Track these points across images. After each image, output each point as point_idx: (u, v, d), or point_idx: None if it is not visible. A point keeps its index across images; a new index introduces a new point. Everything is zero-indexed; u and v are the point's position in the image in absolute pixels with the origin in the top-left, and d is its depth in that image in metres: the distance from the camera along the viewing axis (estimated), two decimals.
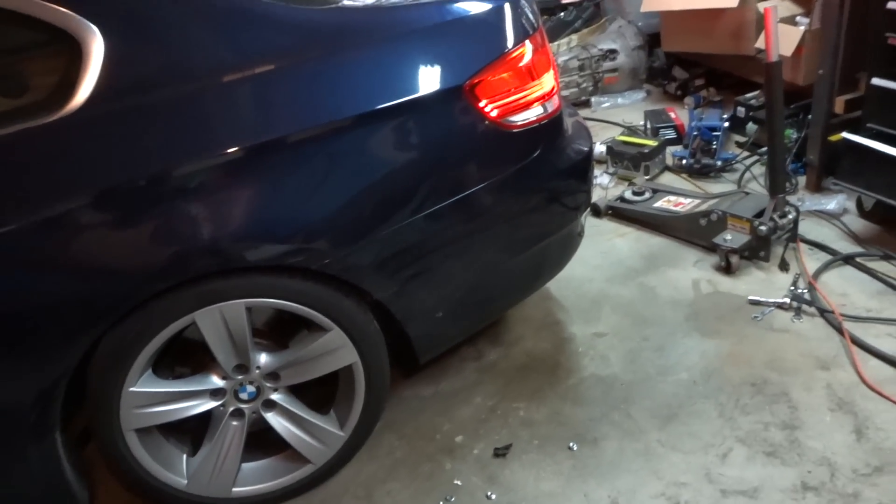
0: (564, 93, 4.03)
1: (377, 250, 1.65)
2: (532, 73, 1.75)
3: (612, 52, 4.08)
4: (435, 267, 1.77)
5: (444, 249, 1.76)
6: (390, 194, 1.65)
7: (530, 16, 1.81)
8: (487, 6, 1.75)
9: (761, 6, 3.32)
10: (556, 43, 4.17)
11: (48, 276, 1.42)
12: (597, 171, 3.30)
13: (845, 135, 2.51)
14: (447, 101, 1.66)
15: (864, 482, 1.70)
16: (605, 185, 3.18)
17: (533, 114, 1.76)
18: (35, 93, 1.47)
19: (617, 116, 3.90)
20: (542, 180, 1.84)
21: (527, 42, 1.74)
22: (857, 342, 2.09)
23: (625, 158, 3.22)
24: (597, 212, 2.96)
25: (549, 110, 1.80)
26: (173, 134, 1.46)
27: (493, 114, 1.69)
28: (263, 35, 1.53)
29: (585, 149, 1.94)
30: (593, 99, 4.08)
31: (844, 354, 2.08)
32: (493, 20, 1.75)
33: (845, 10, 2.61)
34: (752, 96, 3.42)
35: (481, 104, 1.68)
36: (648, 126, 3.57)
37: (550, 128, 1.82)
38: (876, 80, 2.40)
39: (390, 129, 1.63)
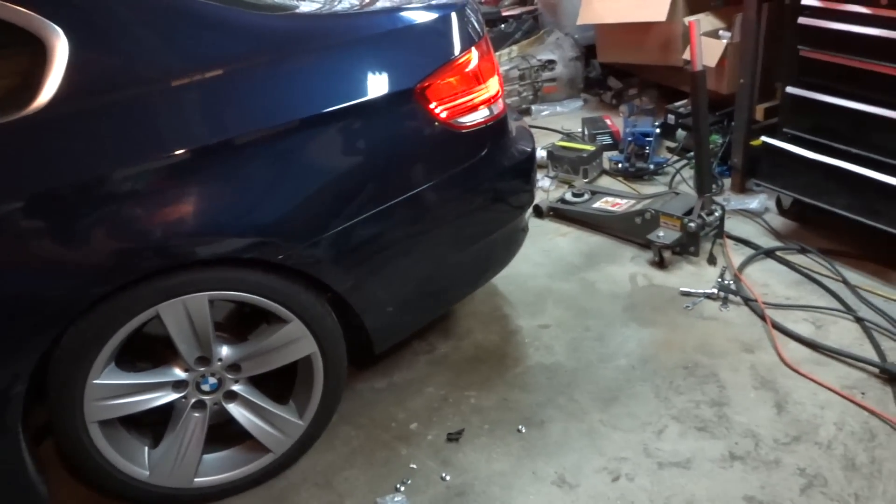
0: (507, 101, 4.18)
1: (334, 244, 1.74)
2: (478, 78, 1.87)
3: (551, 62, 4.26)
4: (390, 260, 1.86)
5: (398, 243, 1.86)
6: (345, 191, 1.74)
7: (476, 24, 1.93)
8: (435, 15, 1.86)
9: (687, 20, 3.54)
10: (497, 53, 4.32)
11: (7, 273, 1.46)
12: (538, 175, 3.45)
13: (765, 139, 2.73)
14: (399, 102, 1.77)
15: (784, 450, 1.87)
16: (546, 188, 3.34)
17: (480, 115, 1.88)
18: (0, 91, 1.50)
19: (556, 124, 4.07)
20: (489, 178, 1.96)
21: (473, 49, 1.86)
22: (777, 327, 2.28)
23: (564, 162, 3.38)
24: (539, 213, 3.10)
25: (495, 112, 1.92)
26: (133, 134, 1.52)
27: (443, 115, 1.81)
28: (220, 39, 1.60)
29: (529, 149, 2.07)
30: (533, 107, 4.25)
31: (767, 338, 2.26)
32: (441, 28, 1.86)
33: (762, 25, 2.83)
34: (681, 104, 3.64)
35: (431, 106, 1.79)
36: (586, 132, 3.75)
37: (496, 129, 1.94)
38: (790, 89, 2.62)
39: (345, 129, 1.72)
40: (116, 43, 1.52)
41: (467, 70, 1.85)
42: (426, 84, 1.78)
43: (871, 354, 2.14)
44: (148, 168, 1.52)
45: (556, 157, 3.41)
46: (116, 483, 1.76)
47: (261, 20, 1.68)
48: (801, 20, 2.51)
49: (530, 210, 3.06)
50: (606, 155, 3.52)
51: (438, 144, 1.84)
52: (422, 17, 1.85)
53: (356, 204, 1.76)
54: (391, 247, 1.86)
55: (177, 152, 1.53)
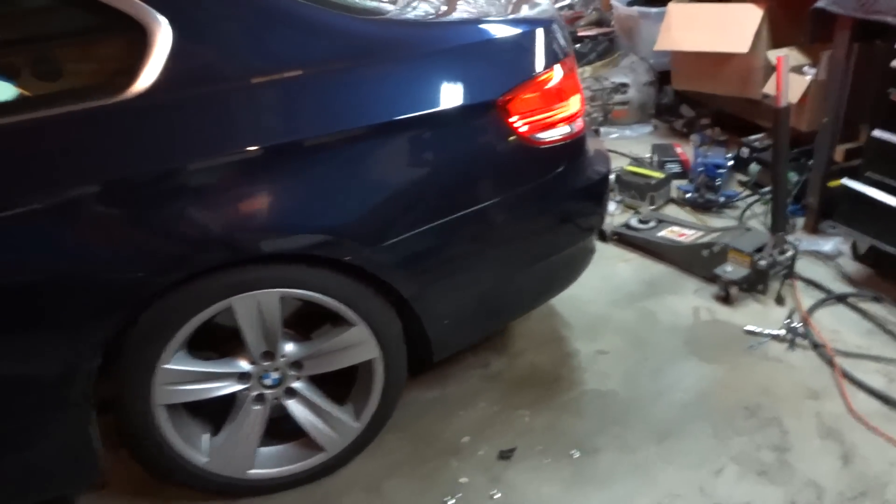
0: None
1: (404, 250, 1.75)
2: (560, 95, 1.87)
3: (624, 85, 4.23)
4: (459, 270, 1.87)
5: (465, 255, 1.87)
6: (418, 198, 1.75)
7: (562, 42, 1.93)
8: (522, 30, 1.88)
9: (772, 54, 3.47)
10: None
11: (91, 252, 1.51)
12: None
13: (845, 181, 2.65)
14: (481, 114, 1.78)
15: None
16: (611, 212, 3.30)
17: (559, 132, 1.88)
18: (99, 75, 1.56)
19: (624, 148, 4.02)
20: (562, 196, 1.96)
21: (557, 65, 1.86)
22: (846, 375, 2.20)
23: (632, 188, 3.34)
24: (603, 237, 3.07)
25: (574, 131, 1.91)
26: (225, 126, 1.56)
27: (523, 129, 1.81)
28: (305, 40, 1.62)
29: (604, 171, 2.06)
30: (602, 129, 4.22)
31: (834, 386, 2.19)
32: (526, 43, 1.87)
33: (850, 65, 2.75)
34: (756, 138, 3.57)
35: (512, 119, 1.79)
36: (655, 159, 3.70)
37: (574, 147, 1.93)
38: (877, 133, 2.54)
39: (426, 135, 1.74)
40: (211, 37, 1.56)
41: (550, 86, 1.85)
42: (508, 97, 1.78)
43: None
44: (226, 162, 1.56)
45: (624, 182, 3.37)
46: (175, 466, 1.80)
47: (350, 23, 1.70)
48: (894, 63, 2.44)
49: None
50: (675, 184, 3.47)
51: (515, 159, 1.84)
52: (508, 31, 1.86)
53: (427, 211, 1.77)
54: (459, 257, 1.87)
55: (253, 148, 1.56)
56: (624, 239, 3.04)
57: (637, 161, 3.69)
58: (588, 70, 4.35)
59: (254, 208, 1.61)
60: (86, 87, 1.63)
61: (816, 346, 2.35)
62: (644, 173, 3.39)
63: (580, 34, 4.51)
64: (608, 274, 2.86)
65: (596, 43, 4.47)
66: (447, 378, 2.29)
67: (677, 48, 3.85)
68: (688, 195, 3.33)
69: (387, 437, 2.06)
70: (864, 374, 2.22)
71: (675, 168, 3.61)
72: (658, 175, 3.36)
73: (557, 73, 1.88)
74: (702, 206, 3.29)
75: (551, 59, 1.87)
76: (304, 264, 1.70)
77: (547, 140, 1.88)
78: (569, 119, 1.91)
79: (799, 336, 2.38)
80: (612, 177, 3.35)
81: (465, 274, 1.90)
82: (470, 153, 1.82)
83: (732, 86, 3.73)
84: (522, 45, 1.88)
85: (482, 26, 1.88)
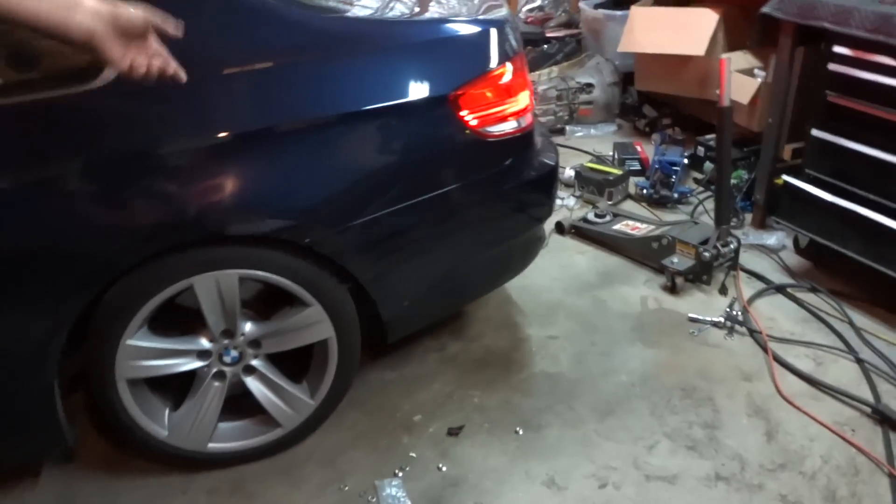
0: (542, 119, 4.30)
1: (360, 234, 1.85)
2: (510, 91, 1.98)
3: (589, 85, 4.36)
4: (411, 255, 1.98)
5: (420, 240, 1.98)
6: (374, 184, 1.86)
7: (513, 41, 2.05)
8: (476, 29, 1.98)
9: (721, 57, 3.61)
10: (537, 73, 4.44)
11: (59, 230, 1.59)
12: (564, 193, 3.56)
13: (785, 178, 2.79)
14: (433, 107, 1.88)
15: (768, 476, 1.94)
16: (570, 207, 3.43)
17: (508, 127, 1.99)
18: (74, 63, 1.65)
19: (588, 146, 4.16)
20: (511, 187, 2.07)
21: (508, 63, 1.98)
22: (777, 359, 2.34)
23: (591, 183, 3.47)
24: (561, 229, 3.20)
25: (523, 125, 2.03)
26: (190, 111, 1.65)
27: (473, 123, 1.92)
28: (273, 33, 1.72)
29: (552, 164, 2.18)
30: (568, 128, 4.35)
31: (766, 370, 2.33)
32: (479, 41, 1.97)
33: (795, 68, 2.90)
34: (711, 137, 3.71)
35: (463, 113, 1.90)
36: (616, 156, 3.83)
37: (522, 141, 2.05)
38: (816, 132, 2.68)
39: (381, 127, 1.84)
40: (186, 26, 1.65)
41: (500, 83, 1.97)
42: (460, 92, 1.89)
43: (867, 395, 2.20)
44: (194, 146, 1.65)
45: (584, 178, 3.50)
46: (137, 439, 1.89)
47: (315, 19, 1.81)
48: (832, 66, 2.59)
49: (552, 226, 3.20)
50: (633, 180, 3.61)
51: (466, 150, 1.95)
52: (462, 29, 1.96)
53: (383, 197, 1.87)
54: (413, 242, 1.97)
55: (221, 135, 1.66)
56: (581, 232, 3.17)
57: (598, 158, 3.83)
58: (555, 70, 4.48)
59: (219, 192, 1.70)
60: (60, 76, 1.71)
61: (753, 333, 2.49)
62: (603, 170, 3.52)
63: (548, 35, 4.63)
64: (565, 264, 2.98)
65: (563, 44, 4.60)
66: (406, 359, 2.40)
67: (639, 50, 3.99)
68: (644, 191, 3.47)
69: (347, 413, 2.17)
70: (794, 357, 2.37)
71: (635, 165, 3.75)
72: (616, 171, 3.49)
73: (508, 70, 1.99)
74: (657, 202, 3.43)
75: (503, 56, 1.98)
76: (262, 246, 1.80)
77: (496, 133, 1.99)
78: (518, 114, 2.02)
79: (737, 323, 2.52)
80: (571, 173, 3.51)
81: (418, 259, 2.01)
82: (422, 144, 1.92)
83: (691, 87, 3.87)
84: (476, 43, 1.99)
85: (436, 24, 1.99)
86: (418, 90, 1.87)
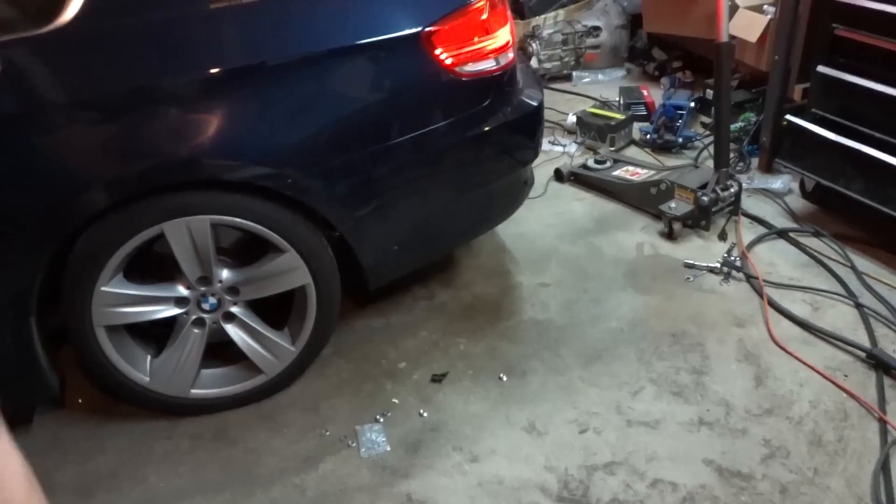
0: (547, 65, 4.18)
1: (333, 177, 1.83)
2: (487, 28, 1.90)
3: (596, 28, 4.22)
4: (388, 200, 1.94)
5: (396, 183, 1.94)
6: (348, 126, 1.82)
7: None
8: None
9: None
10: (542, 16, 4.30)
11: (26, 175, 1.59)
12: (566, 140, 3.48)
13: (789, 117, 2.68)
14: (406, 45, 1.82)
15: (753, 421, 1.90)
16: (571, 153, 3.35)
17: (486, 65, 1.93)
18: (28, 7, 1.62)
19: (595, 92, 4.04)
20: (492, 128, 2.00)
21: None
22: (772, 304, 2.28)
23: (592, 129, 3.38)
24: (560, 177, 3.13)
25: (503, 63, 1.96)
26: (154, 53, 1.62)
27: (448, 62, 1.86)
28: None
29: (535, 104, 2.10)
30: (574, 73, 4.23)
31: (760, 315, 2.27)
32: None
33: (802, 1, 2.76)
34: None
35: (437, 52, 1.84)
36: (621, 101, 3.72)
37: (502, 80, 1.98)
38: (821, 69, 2.56)
39: (351, 68, 1.80)
40: None
41: (476, 19, 1.89)
42: (434, 30, 1.82)
43: (864, 340, 2.13)
44: (170, 87, 1.63)
45: (585, 124, 3.41)
46: (119, 386, 1.91)
47: None
48: None
49: (551, 173, 3.13)
50: (638, 125, 3.50)
51: (441, 90, 1.90)
52: None
53: (356, 141, 1.84)
54: (389, 187, 1.94)
55: (198, 74, 1.63)
56: (580, 179, 3.10)
57: (604, 104, 3.72)
58: (561, 13, 4.34)
59: (188, 137, 1.68)
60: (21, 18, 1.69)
61: (749, 278, 2.42)
62: (605, 115, 3.42)
63: None
64: (561, 212, 2.93)
65: None
66: (395, 307, 2.39)
67: None
68: (648, 136, 3.37)
69: (332, 360, 2.17)
70: (790, 303, 2.30)
71: (641, 110, 3.64)
72: (618, 116, 3.39)
73: (485, 5, 1.91)
74: (661, 147, 3.33)
75: None
76: (234, 192, 1.77)
77: (474, 72, 1.92)
78: (497, 51, 1.95)
79: (734, 268, 2.46)
80: (573, 119, 3.42)
81: (396, 205, 1.98)
82: (396, 84, 1.87)
83: (699, 27, 3.71)
84: None
85: None
86: (388, 28, 1.81)
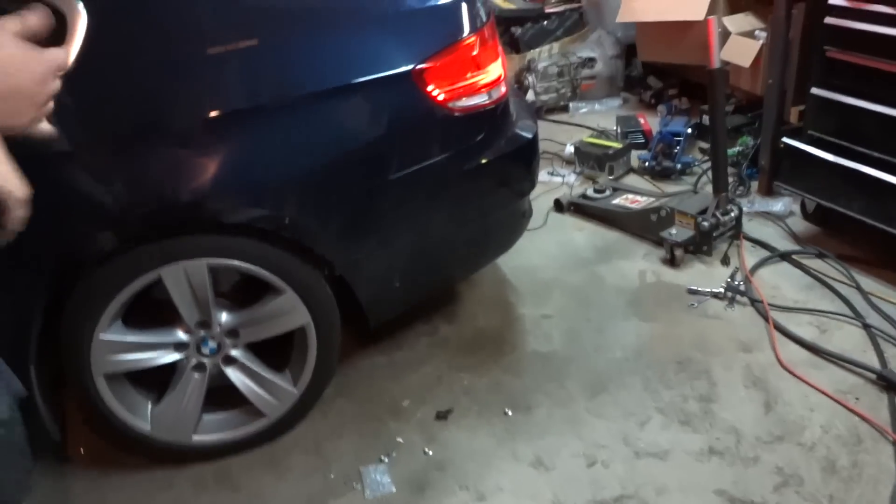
0: (544, 97, 4.21)
1: (329, 217, 1.83)
2: (478, 63, 1.92)
3: (591, 60, 4.26)
4: (385, 237, 1.94)
5: (393, 220, 1.93)
6: (343, 165, 1.81)
7: (480, 12, 1.98)
8: (438, 1, 1.92)
9: (728, 21, 3.49)
10: (537, 50, 4.35)
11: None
12: (565, 170, 3.48)
13: (785, 139, 2.69)
14: (398, 83, 1.83)
15: (765, 448, 1.86)
16: (570, 183, 3.35)
17: (479, 100, 1.94)
18: None
19: (593, 121, 4.06)
20: (486, 162, 2.00)
21: (474, 35, 1.92)
22: (778, 328, 2.26)
23: (591, 158, 3.39)
24: (560, 207, 3.13)
25: (494, 97, 1.96)
26: (156, 97, 1.63)
27: (440, 97, 1.87)
28: (220, 17, 1.68)
29: (530, 136, 2.11)
30: (571, 104, 4.26)
31: (766, 339, 2.24)
32: (443, 13, 1.92)
33: (793, 25, 2.78)
34: None
35: (429, 88, 1.85)
36: (619, 130, 3.74)
37: (495, 114, 1.98)
38: (815, 90, 2.57)
39: (346, 106, 1.80)
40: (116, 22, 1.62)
41: (467, 55, 1.91)
42: (425, 66, 1.84)
43: (874, 361, 2.10)
44: (155, 136, 1.63)
45: (583, 154, 3.42)
46: (120, 434, 1.89)
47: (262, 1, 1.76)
48: (828, 20, 2.47)
49: (551, 204, 3.13)
50: (636, 153, 3.51)
51: (434, 125, 1.90)
52: (424, 1, 1.91)
53: (352, 178, 1.83)
54: (386, 223, 1.93)
55: (182, 121, 1.64)
56: (580, 209, 3.09)
57: (602, 133, 3.74)
58: (556, 46, 4.39)
59: (183, 181, 1.68)
60: None
61: (754, 302, 2.40)
62: (603, 144, 3.43)
63: (547, 10, 4.53)
64: (562, 242, 2.92)
65: (563, 18, 4.49)
66: (397, 344, 2.37)
67: (638, 19, 3.88)
68: (646, 164, 3.37)
69: (335, 400, 2.15)
70: (797, 326, 2.27)
71: (638, 138, 3.65)
72: (616, 145, 3.40)
73: (476, 41, 1.93)
74: (660, 174, 3.33)
75: (468, 28, 1.92)
76: (230, 234, 1.78)
77: (466, 107, 1.93)
78: (488, 86, 1.96)
79: (738, 293, 2.43)
80: (571, 149, 3.43)
81: (393, 241, 1.97)
82: (390, 121, 1.87)
83: (694, 54, 3.73)
84: (439, 15, 1.93)
85: None
86: (381, 66, 1.82)
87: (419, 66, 1.83)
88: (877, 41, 2.32)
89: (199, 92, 1.68)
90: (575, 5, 4.62)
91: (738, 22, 3.36)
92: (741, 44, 3.25)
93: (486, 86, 1.95)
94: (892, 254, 2.50)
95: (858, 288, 2.41)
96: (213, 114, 1.67)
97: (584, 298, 2.54)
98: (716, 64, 2.51)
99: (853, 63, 2.44)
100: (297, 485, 1.90)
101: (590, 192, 3.13)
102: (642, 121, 3.77)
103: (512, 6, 4.62)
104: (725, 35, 3.37)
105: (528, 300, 2.56)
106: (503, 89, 2.02)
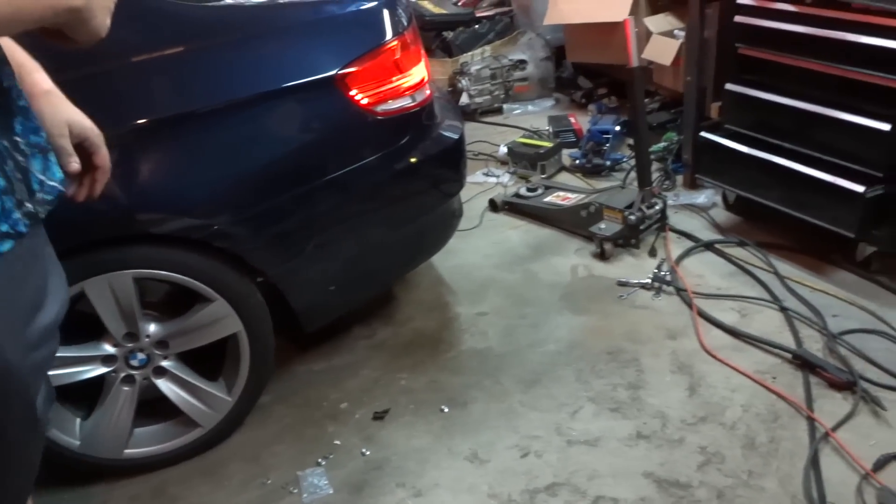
0: (478, 99, 4.27)
1: (257, 224, 1.83)
2: (400, 67, 1.95)
3: (522, 62, 4.34)
4: (314, 243, 1.95)
5: (322, 224, 1.95)
6: (268, 172, 1.83)
7: (402, 17, 2.02)
8: (358, 6, 1.95)
9: (649, 21, 3.61)
10: (470, 53, 4.41)
11: None
12: (500, 171, 3.54)
13: (703, 133, 2.79)
14: (322, 88, 1.85)
15: (689, 430, 1.94)
16: (504, 183, 3.41)
17: (402, 103, 1.96)
18: None
19: (526, 122, 4.13)
20: (413, 164, 2.04)
21: (397, 39, 1.95)
22: (702, 314, 2.34)
23: (523, 158, 3.46)
24: (494, 207, 3.18)
25: (419, 100, 2.00)
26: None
27: (364, 101, 1.89)
28: (144, 27, 1.67)
29: (456, 137, 2.15)
30: (505, 106, 4.33)
31: (691, 326, 2.33)
32: (364, 19, 1.95)
33: (708, 24, 2.90)
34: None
35: (352, 92, 1.87)
36: (550, 130, 3.82)
37: (420, 116, 2.02)
38: (729, 86, 2.69)
39: (268, 114, 1.81)
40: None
41: (390, 59, 1.93)
42: (347, 72, 1.86)
43: (790, 342, 2.20)
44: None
45: (516, 154, 3.49)
46: (48, 451, 1.84)
47: (184, 10, 1.76)
48: (738, 18, 2.59)
49: (486, 204, 3.18)
50: (567, 152, 3.59)
51: (359, 129, 1.92)
52: (345, 8, 1.93)
53: (278, 185, 1.84)
54: (315, 229, 1.94)
55: (106, 130, 1.61)
56: (514, 208, 3.15)
57: (533, 133, 3.81)
58: (488, 49, 4.46)
59: (122, 189, 1.65)
60: None
61: (679, 291, 2.49)
62: (535, 144, 3.50)
63: (478, 15, 4.60)
64: (497, 241, 2.97)
65: (494, 22, 4.57)
66: (336, 348, 2.38)
67: (564, 21, 3.98)
68: (577, 161, 3.46)
69: (273, 407, 2.15)
70: (720, 312, 2.37)
71: (570, 137, 3.74)
72: (547, 144, 3.48)
73: (397, 46, 1.96)
74: (590, 171, 3.42)
75: (390, 32, 1.95)
76: (156, 245, 1.76)
77: (390, 111, 1.96)
78: (412, 89, 1.99)
79: (664, 283, 2.52)
80: (504, 149, 3.48)
81: (323, 246, 1.98)
82: (314, 126, 1.91)
83: (619, 54, 3.77)
84: (360, 21, 1.96)
85: (321, 5, 1.95)
86: (303, 72, 1.83)
87: (342, 72, 1.86)
88: (783, 38, 2.44)
89: (123, 100, 1.66)
90: (505, 9, 4.70)
91: (659, 22, 3.48)
92: (662, 43, 3.37)
93: (409, 89, 1.99)
94: (805, 239, 2.62)
95: (776, 273, 2.53)
96: (139, 122, 1.66)
97: (518, 295, 2.59)
98: (634, 63, 2.59)
99: (764, 59, 2.56)
100: (234, 494, 1.89)
101: (523, 191, 3.19)
102: (573, 120, 3.86)
103: (443, 11, 4.67)
104: (648, 35, 3.48)
105: (464, 299, 2.60)
106: (427, 92, 2.05)
